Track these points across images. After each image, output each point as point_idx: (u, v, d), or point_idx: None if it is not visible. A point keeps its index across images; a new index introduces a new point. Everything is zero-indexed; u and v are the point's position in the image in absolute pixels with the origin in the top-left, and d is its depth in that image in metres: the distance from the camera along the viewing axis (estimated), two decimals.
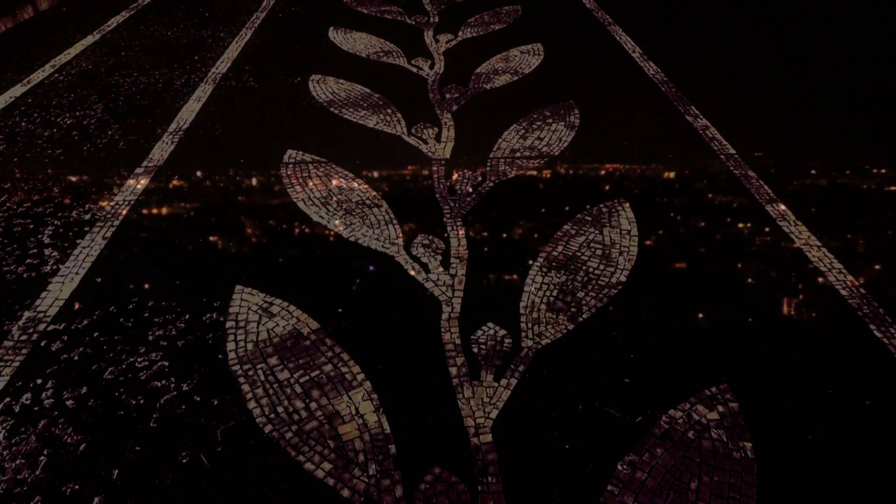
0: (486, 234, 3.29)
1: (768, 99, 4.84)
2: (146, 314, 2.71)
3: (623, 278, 2.96)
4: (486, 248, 3.17)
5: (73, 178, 3.78)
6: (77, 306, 2.75)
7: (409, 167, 3.94)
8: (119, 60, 5.56)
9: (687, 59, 5.61)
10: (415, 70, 5.40)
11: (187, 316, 2.70)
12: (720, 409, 2.29)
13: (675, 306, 2.77)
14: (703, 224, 3.39)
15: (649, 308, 2.76)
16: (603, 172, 3.91)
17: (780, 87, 5.03)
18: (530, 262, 3.07)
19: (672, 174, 3.88)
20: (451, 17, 6.79)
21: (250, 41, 6.06)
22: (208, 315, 2.71)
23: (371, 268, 3.02)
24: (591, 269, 3.01)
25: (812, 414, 2.26)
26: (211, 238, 3.24)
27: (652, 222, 3.38)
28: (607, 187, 3.72)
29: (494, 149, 4.13)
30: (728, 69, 5.39)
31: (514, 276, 2.97)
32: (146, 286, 2.88)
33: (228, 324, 2.66)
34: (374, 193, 3.64)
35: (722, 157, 4.05)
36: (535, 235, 3.28)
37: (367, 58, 5.68)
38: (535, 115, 4.57)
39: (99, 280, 2.92)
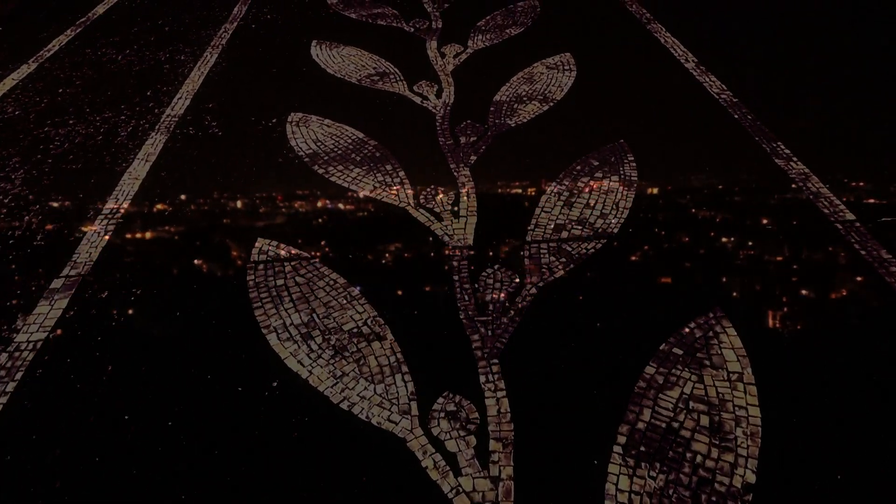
0: (535, 391, 2.29)
1: (880, 126, 3.76)
2: None
3: (751, 475, 1.96)
4: (538, 421, 2.18)
5: None
6: None
7: (420, 262, 2.93)
8: (54, 101, 4.52)
9: (758, 71, 4.49)
10: (418, 101, 4.33)
11: None
12: None
13: None
14: (846, 363, 2.37)
15: None
16: (683, 262, 2.88)
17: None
18: (605, 445, 2.07)
19: (781, 262, 2.85)
20: (457, 18, 5.66)
21: (215, 66, 4.98)
22: None
23: (375, 461, 2.05)
24: (698, 459, 2.02)
25: None
26: (143, 416, 2.26)
27: (769, 355, 2.37)
28: (688, 274, 2.70)
29: (532, 226, 3.10)
30: (817, 85, 4.29)
31: (589, 476, 1.98)
32: None
33: None
34: (373, 315, 2.63)
35: (839, 227, 3.01)
36: (606, 390, 2.28)
37: (358, 83, 4.61)
38: (578, 167, 3.51)
39: None
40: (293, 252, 3.00)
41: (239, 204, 3.40)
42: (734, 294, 2.66)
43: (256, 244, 3.06)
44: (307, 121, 4.11)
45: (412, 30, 5.50)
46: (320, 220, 3.27)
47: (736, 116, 3.94)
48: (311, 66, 4.91)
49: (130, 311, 2.70)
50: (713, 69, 4.51)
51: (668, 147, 3.69)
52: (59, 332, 2.61)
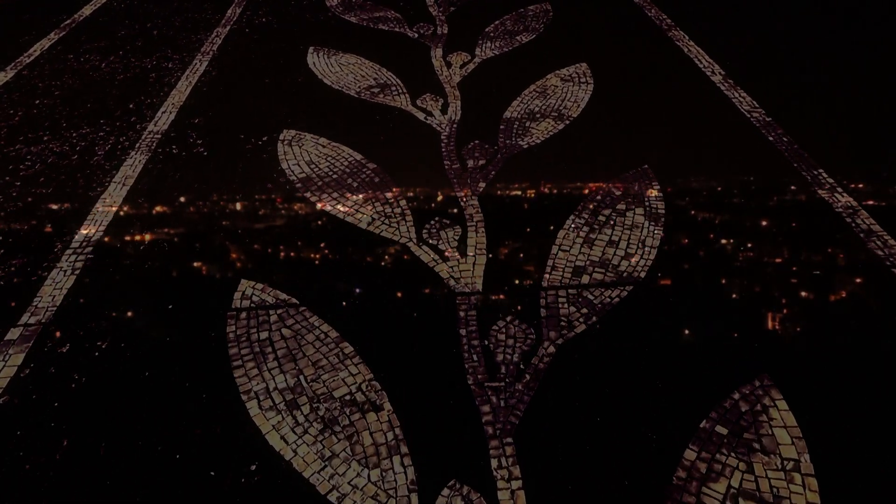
0: (556, 480, 1.96)
1: None
2: None
3: None
4: None
5: None
6: None
7: (422, 310, 2.60)
8: (29, 115, 4.19)
9: (795, 86, 4.12)
10: (422, 117, 3.99)
11: None
12: None
13: None
14: None
15: None
16: (720, 313, 2.54)
17: None
18: None
19: (839, 318, 2.51)
20: (464, 22, 5.31)
21: (205, 75, 4.65)
22: None
23: None
24: None
25: None
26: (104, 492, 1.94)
27: (830, 438, 2.03)
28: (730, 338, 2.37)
29: (548, 269, 2.76)
30: (863, 102, 3.93)
31: None
32: None
33: None
34: (369, 377, 2.30)
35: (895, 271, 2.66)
36: (640, 480, 1.94)
37: (356, 96, 4.27)
38: (598, 197, 3.17)
39: None
40: (278, 297, 2.67)
41: (223, 238, 3.08)
42: (784, 356, 2.32)
43: (239, 288, 2.73)
44: (300, 139, 3.78)
45: (416, 35, 5.14)
46: (311, 259, 2.94)
47: (771, 138, 3.58)
48: (308, 76, 4.56)
49: (93, 370, 2.38)
50: (743, 83, 4.14)
51: (702, 173, 3.34)
52: (5, 400, 2.29)
